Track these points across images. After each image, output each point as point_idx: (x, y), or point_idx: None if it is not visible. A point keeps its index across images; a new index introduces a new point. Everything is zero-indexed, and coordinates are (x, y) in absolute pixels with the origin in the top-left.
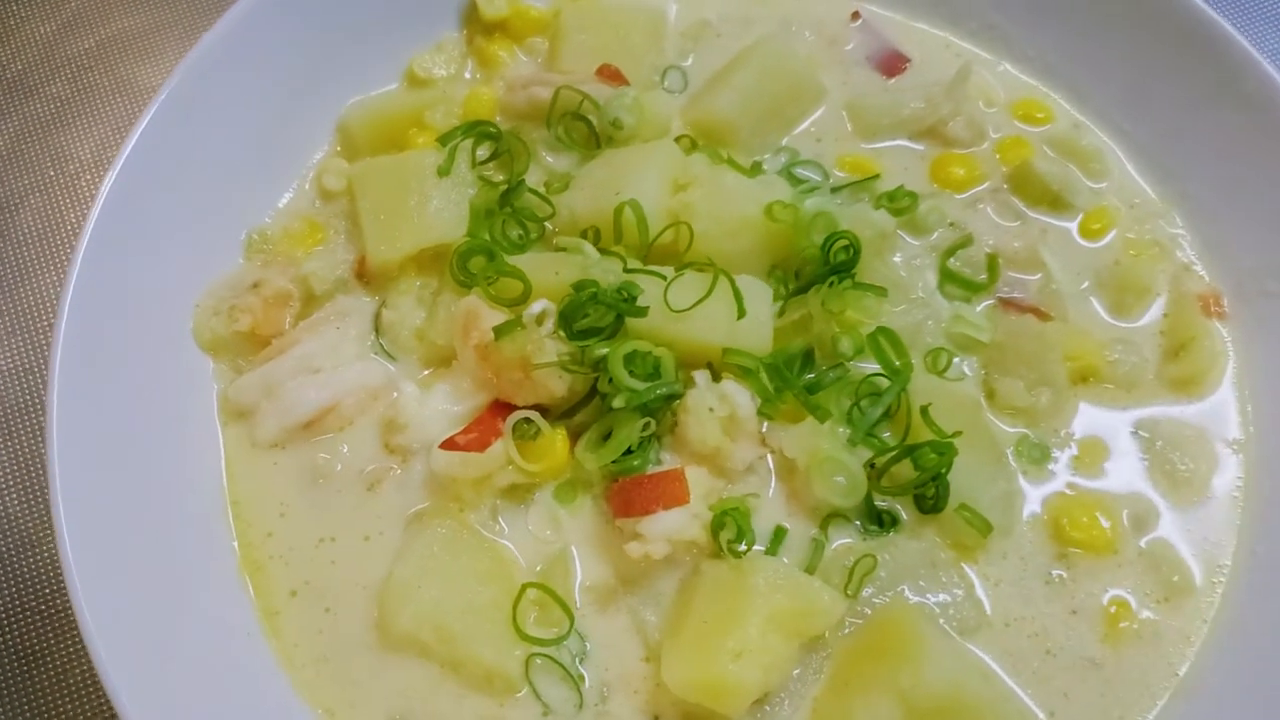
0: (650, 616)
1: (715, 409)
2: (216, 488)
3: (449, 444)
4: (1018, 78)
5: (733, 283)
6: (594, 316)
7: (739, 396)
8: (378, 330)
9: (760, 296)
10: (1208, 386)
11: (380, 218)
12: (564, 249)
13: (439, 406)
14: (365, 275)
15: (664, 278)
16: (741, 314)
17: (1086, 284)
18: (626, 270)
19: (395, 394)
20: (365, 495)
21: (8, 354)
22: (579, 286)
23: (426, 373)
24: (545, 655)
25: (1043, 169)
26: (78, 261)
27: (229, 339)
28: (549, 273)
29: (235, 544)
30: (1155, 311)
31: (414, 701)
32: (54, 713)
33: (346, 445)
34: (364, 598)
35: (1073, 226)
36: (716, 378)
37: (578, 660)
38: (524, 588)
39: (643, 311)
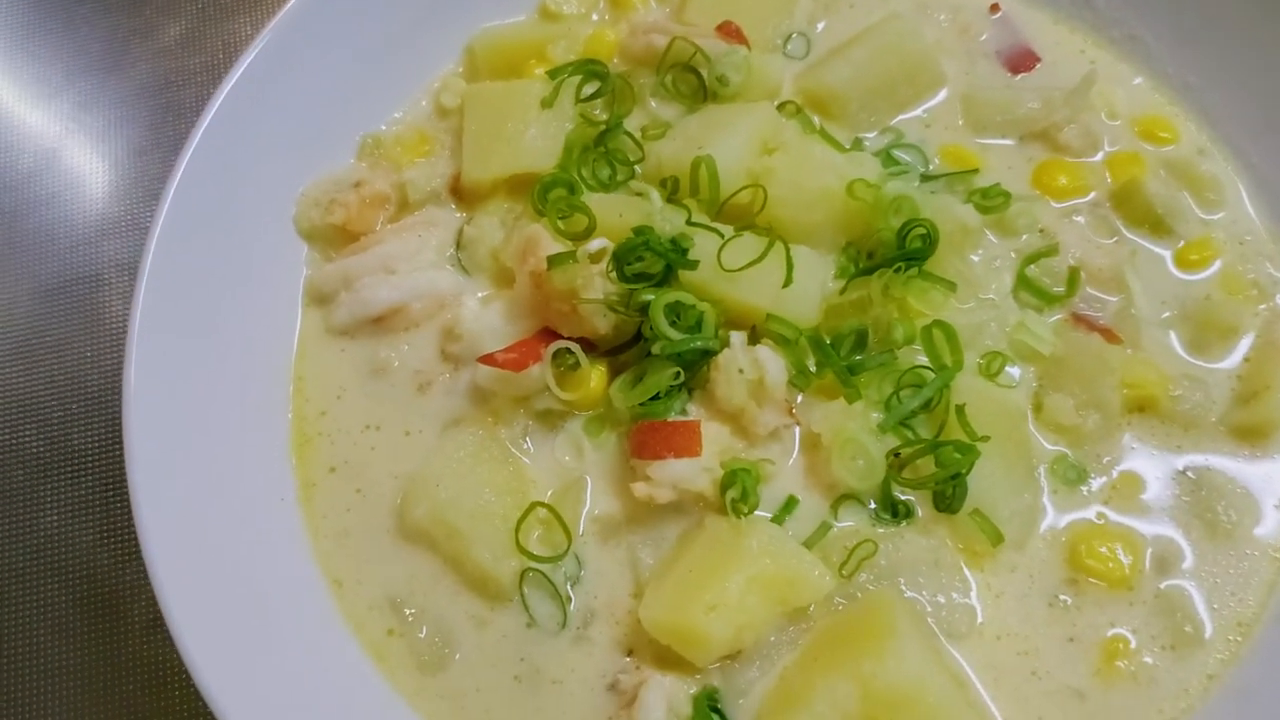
0: (647, 557)
1: (745, 371)
2: (285, 361)
3: (488, 359)
4: (1149, 93)
5: (787, 250)
6: (646, 262)
7: (770, 363)
8: (459, 244)
9: (814, 269)
10: (1274, 441)
11: (480, 139)
12: (639, 194)
13: (494, 324)
14: (459, 191)
15: (722, 235)
16: (788, 282)
17: (1168, 314)
18: (689, 223)
19: (460, 306)
20: (415, 394)
21: None
22: (638, 231)
23: (489, 291)
24: (539, 571)
25: (1152, 189)
26: (200, 131)
27: (324, 229)
28: (614, 213)
29: (290, 415)
30: (1237, 355)
31: (415, 588)
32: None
33: (408, 345)
34: (392, 486)
35: (1169, 253)
36: (755, 341)
37: (569, 583)
38: (533, 505)
39: (692, 264)
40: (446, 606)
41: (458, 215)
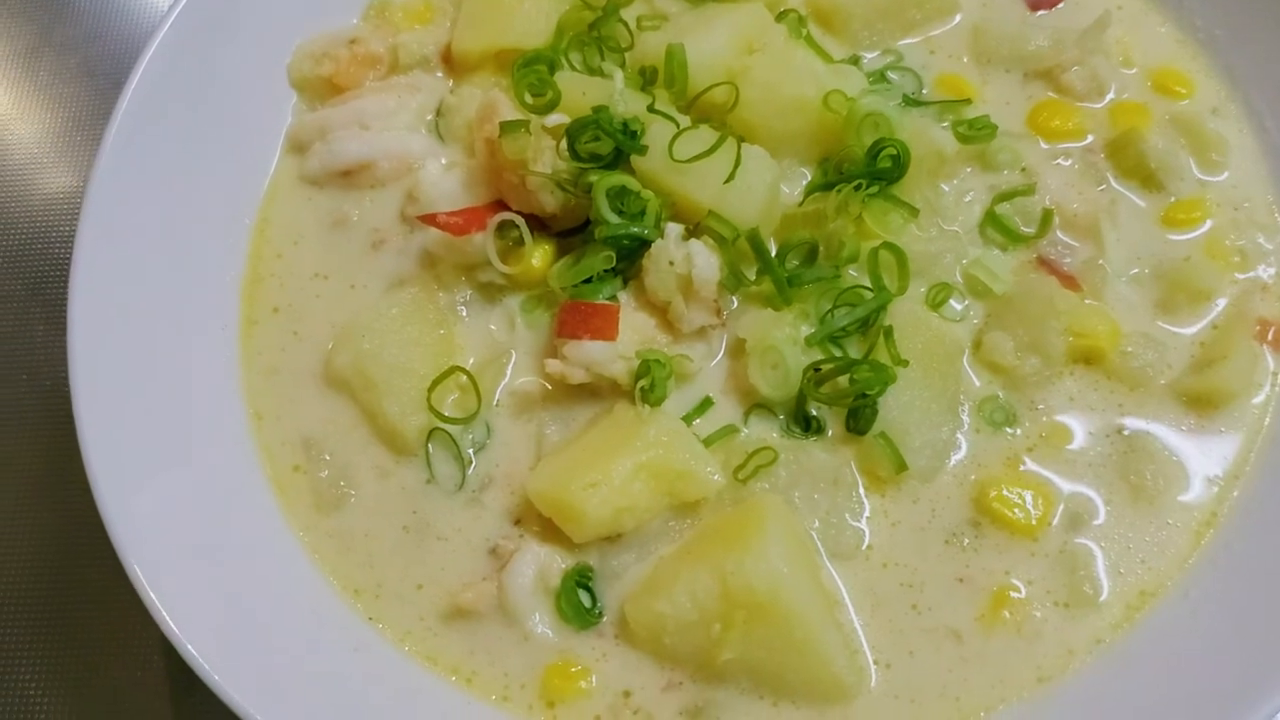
0: (554, 434)
1: (675, 264)
2: (254, 202)
3: (429, 218)
4: (1172, 44)
5: (738, 148)
6: (600, 142)
7: (700, 258)
8: (439, 111)
9: (762, 170)
10: (1223, 414)
11: (476, 10)
12: (607, 75)
13: (451, 190)
14: (450, 60)
15: (678, 125)
16: (730, 178)
17: (1138, 270)
18: (650, 109)
19: (423, 169)
20: (368, 250)
21: None
22: (595, 110)
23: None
24: (446, 432)
25: (1150, 142)
26: None
27: (313, 81)
28: (578, 91)
29: (247, 253)
30: (1204, 321)
31: (329, 433)
32: None
33: (371, 202)
34: (327, 334)
35: (1155, 209)
36: (695, 236)
37: (475, 449)
38: (452, 369)
39: (641, 149)
40: (355, 454)
41: (446, 83)
